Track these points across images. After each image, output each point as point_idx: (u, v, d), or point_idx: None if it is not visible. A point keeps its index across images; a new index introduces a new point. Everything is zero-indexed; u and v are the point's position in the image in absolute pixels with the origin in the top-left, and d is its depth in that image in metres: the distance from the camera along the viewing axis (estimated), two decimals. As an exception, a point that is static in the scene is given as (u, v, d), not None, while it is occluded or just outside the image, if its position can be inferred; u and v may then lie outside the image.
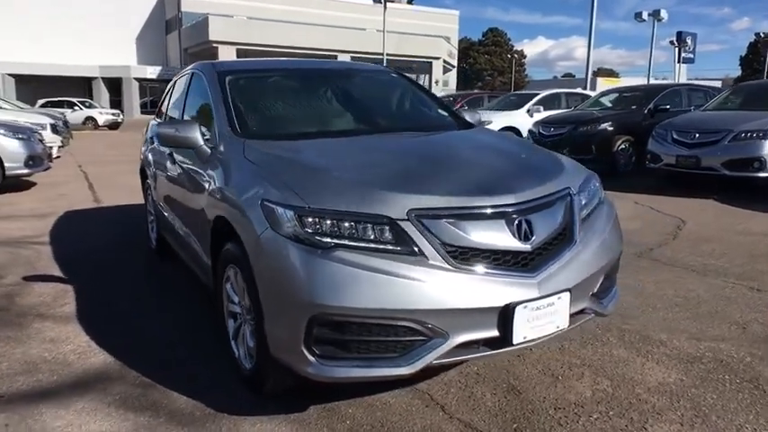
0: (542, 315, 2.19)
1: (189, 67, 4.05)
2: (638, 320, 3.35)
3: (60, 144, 11.97)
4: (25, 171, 7.99)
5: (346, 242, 2.08)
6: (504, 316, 2.12)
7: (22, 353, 3.03)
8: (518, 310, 2.12)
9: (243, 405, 2.47)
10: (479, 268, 2.13)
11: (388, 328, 2.06)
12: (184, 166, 3.35)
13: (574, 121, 9.90)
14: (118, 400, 2.55)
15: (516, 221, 2.22)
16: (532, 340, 2.22)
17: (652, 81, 27.64)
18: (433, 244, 2.10)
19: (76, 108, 28.53)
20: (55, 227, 6.13)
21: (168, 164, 3.75)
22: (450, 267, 2.09)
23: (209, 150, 2.95)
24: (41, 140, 8.66)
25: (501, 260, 2.18)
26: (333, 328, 2.06)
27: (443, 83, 44.41)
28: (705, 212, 6.47)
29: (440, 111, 3.71)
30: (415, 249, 2.09)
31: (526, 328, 2.17)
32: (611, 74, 78.24)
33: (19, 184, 8.78)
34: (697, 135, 7.68)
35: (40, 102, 27.65)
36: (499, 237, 2.18)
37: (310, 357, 2.09)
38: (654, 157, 8.24)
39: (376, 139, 3.03)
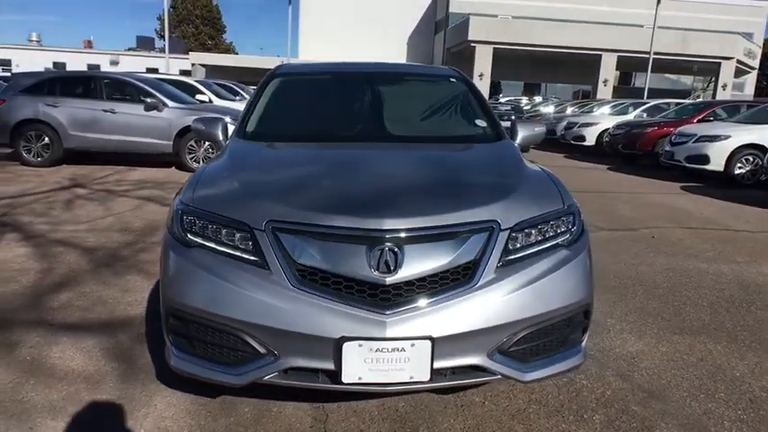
0: (387, 359, 1.93)
1: None
2: (663, 405, 2.59)
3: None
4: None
5: (209, 244, 2.14)
6: (338, 350, 1.93)
7: (98, 296, 3.77)
8: (348, 346, 1.91)
9: (177, 379, 2.66)
10: (322, 293, 1.97)
11: (223, 335, 2.07)
12: None
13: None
14: (104, 348, 3.01)
15: (379, 249, 1.97)
16: (373, 384, 1.97)
17: None
18: (280, 259, 2.02)
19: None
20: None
21: None
22: (289, 286, 1.99)
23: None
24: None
25: (353, 289, 1.98)
26: (182, 324, 2.15)
27: (734, 87, 37.83)
28: None
29: (477, 122, 3.36)
30: (262, 262, 2.04)
31: (362, 369, 1.94)
32: None
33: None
34: None
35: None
36: (352, 263, 1.98)
37: (170, 347, 2.22)
38: None
39: (342, 149, 2.92)
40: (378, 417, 2.44)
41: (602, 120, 15.92)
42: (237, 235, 2.11)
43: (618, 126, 13.83)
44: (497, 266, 2.07)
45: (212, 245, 2.13)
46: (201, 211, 2.21)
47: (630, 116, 15.87)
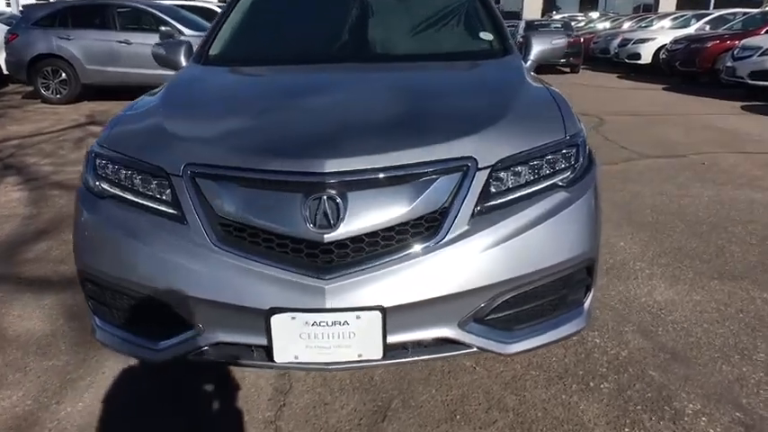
0: (327, 335, 1.57)
1: None
2: (687, 369, 2.18)
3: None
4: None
5: (122, 194, 1.79)
6: (268, 323, 1.58)
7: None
8: (278, 319, 1.56)
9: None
10: (248, 253, 1.60)
11: (141, 303, 1.74)
12: None
13: None
14: (66, 305, 2.75)
15: (316, 198, 1.57)
16: (312, 364, 1.62)
17: None
18: (199, 211, 1.65)
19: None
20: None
21: None
22: (209, 245, 1.62)
23: None
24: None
25: (286, 248, 1.60)
26: (99, 290, 1.84)
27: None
28: None
29: (482, 35, 2.81)
30: (180, 214, 1.67)
31: (298, 347, 1.59)
32: None
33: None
34: None
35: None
36: (284, 217, 1.58)
37: (92, 316, 1.92)
38: None
39: (307, 73, 2.47)
40: (348, 387, 2.13)
41: (660, 35, 14.47)
42: (153, 182, 1.74)
43: (676, 41, 12.50)
44: (472, 216, 1.64)
45: (126, 195, 1.78)
46: (115, 153, 1.84)
47: (691, 29, 14.36)
